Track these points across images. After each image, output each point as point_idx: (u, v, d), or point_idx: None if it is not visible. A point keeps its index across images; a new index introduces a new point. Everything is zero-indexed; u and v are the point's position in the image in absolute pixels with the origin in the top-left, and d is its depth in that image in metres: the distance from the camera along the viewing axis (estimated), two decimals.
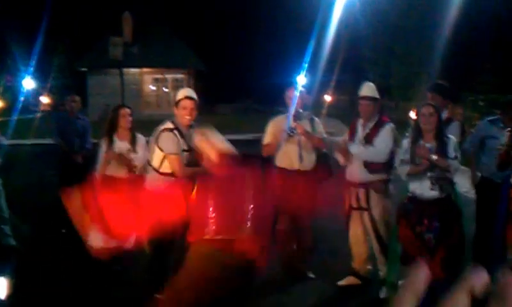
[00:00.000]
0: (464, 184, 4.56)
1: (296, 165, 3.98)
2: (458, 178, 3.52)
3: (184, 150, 3.45)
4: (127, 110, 4.14)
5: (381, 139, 3.69)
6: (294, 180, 3.94)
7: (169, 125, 3.49)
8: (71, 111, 5.63)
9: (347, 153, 3.80)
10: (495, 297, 0.38)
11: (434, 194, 3.22)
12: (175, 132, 3.46)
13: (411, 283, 0.41)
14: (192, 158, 3.37)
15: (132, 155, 4.02)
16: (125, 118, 4.08)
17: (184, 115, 3.49)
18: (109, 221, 3.57)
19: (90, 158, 5.66)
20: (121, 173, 3.98)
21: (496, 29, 15.06)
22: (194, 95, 3.59)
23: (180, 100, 3.52)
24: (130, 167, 3.99)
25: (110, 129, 4.09)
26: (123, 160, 4.00)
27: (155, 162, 3.48)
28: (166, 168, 3.45)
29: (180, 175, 3.40)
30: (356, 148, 3.76)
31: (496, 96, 13.78)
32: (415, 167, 3.29)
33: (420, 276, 0.41)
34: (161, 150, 3.44)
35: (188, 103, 3.50)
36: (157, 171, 3.48)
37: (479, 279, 0.39)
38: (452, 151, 3.26)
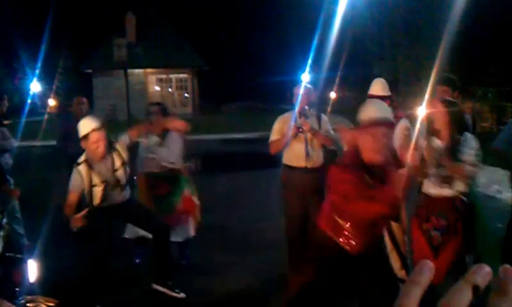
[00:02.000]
0: (489, 183, 4.35)
1: (302, 163, 3.94)
2: (484, 177, 3.36)
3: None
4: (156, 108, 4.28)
5: (394, 136, 3.62)
6: (302, 178, 3.92)
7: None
8: (79, 113, 5.62)
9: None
10: (496, 290, 0.38)
11: (442, 191, 3.12)
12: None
13: (417, 276, 0.40)
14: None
15: (162, 150, 4.12)
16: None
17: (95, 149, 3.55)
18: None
19: None
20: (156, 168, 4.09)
21: (505, 21, 14.85)
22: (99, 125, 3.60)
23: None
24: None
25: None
26: None
27: None
28: None
29: None
30: None
31: (506, 88, 13.63)
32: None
33: (426, 269, 0.40)
34: None
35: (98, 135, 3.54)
36: None
37: (482, 273, 0.39)
38: (467, 151, 3.02)
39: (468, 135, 3.14)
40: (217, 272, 4.27)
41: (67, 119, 5.88)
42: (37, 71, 22.36)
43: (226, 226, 5.68)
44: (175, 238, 4.12)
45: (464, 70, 13.40)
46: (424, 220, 3.20)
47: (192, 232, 4.31)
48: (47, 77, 24.84)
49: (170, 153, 4.16)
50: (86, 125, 3.56)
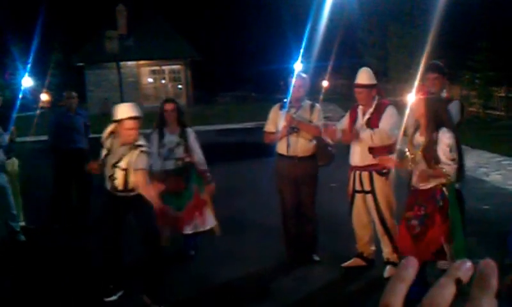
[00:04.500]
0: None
1: (285, 152, 4.06)
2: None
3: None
4: (170, 105, 4.28)
5: (385, 122, 3.71)
6: (290, 165, 4.03)
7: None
8: (70, 108, 5.67)
9: (353, 138, 3.81)
10: (477, 283, 0.39)
11: (426, 184, 3.23)
12: None
13: (401, 272, 0.41)
14: None
15: (181, 148, 4.19)
16: (167, 113, 4.23)
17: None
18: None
19: (88, 154, 5.76)
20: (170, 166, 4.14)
21: (493, 6, 14.99)
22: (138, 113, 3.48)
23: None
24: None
25: (160, 123, 4.25)
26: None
27: None
28: None
29: None
30: (365, 133, 3.74)
31: (493, 73, 13.80)
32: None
33: (410, 265, 0.42)
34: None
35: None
36: None
37: (464, 268, 0.41)
38: (441, 153, 3.08)
39: (441, 133, 3.14)
40: (218, 260, 4.36)
41: (59, 114, 5.91)
42: (28, 66, 22.17)
43: (225, 215, 5.78)
44: (194, 229, 4.22)
45: (452, 56, 13.55)
46: (409, 209, 3.34)
47: (211, 221, 4.32)
48: (38, 72, 24.61)
49: (193, 150, 4.23)
50: (123, 111, 3.46)
